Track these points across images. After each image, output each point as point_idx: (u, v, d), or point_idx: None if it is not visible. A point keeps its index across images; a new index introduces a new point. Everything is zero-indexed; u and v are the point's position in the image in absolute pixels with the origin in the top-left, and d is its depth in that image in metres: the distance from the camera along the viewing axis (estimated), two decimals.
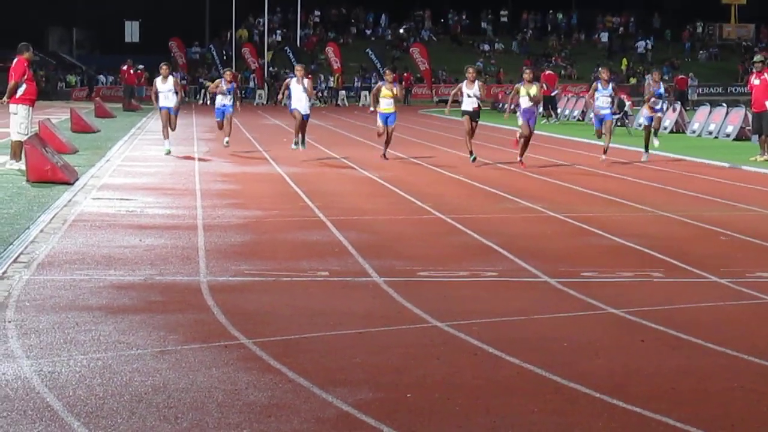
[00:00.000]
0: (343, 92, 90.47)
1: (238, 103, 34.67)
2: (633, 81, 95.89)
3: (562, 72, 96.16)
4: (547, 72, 66.71)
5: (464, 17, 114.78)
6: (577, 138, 45.70)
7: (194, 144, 40.15)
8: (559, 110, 61.41)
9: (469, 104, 30.78)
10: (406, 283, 13.72)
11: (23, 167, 23.06)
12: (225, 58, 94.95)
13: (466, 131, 30.99)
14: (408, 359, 9.74)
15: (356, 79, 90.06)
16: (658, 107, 34.48)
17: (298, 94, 30.53)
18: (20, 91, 25.53)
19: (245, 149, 38.50)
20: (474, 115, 31.04)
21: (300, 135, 31.38)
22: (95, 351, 9.83)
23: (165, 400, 8.03)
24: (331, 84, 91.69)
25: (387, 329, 11.23)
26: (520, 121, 29.78)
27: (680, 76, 74.76)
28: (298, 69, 31.96)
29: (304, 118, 29.75)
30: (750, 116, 40.91)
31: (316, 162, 31.85)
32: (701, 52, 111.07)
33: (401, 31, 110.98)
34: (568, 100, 66.05)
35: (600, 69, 42.51)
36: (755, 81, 36.71)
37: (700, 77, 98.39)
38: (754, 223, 20.09)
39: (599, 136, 33.15)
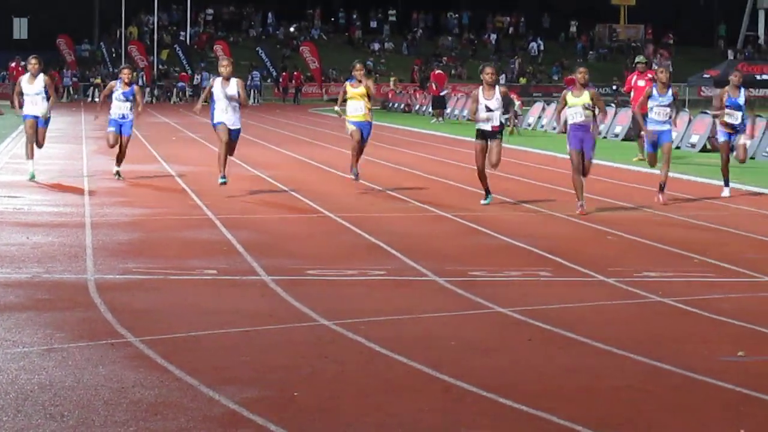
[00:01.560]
0: None
1: (139, 109, 24.52)
2: (523, 81, 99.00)
3: (452, 72, 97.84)
4: (437, 72, 67.63)
5: (354, 17, 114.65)
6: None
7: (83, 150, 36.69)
8: (448, 110, 62.50)
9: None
10: (295, 282, 13.86)
11: None
12: (114, 55, 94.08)
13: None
14: (296, 357, 9.84)
15: (248, 78, 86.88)
16: (737, 122, 22.81)
17: (222, 103, 20.85)
18: None
19: (135, 149, 35.93)
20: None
21: (224, 163, 21.59)
22: None
23: (51, 398, 7.97)
24: None
25: (275, 328, 11.32)
26: (569, 147, 20.08)
27: (569, 77, 71.57)
28: (223, 65, 21.81)
29: (232, 137, 20.55)
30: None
31: (205, 161, 30.35)
32: (591, 52, 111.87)
33: (291, 29, 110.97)
34: (457, 99, 66.86)
35: (657, 68, 34.54)
36: (640, 82, 36.10)
37: (590, 78, 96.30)
38: (640, 224, 20.58)
39: (653, 164, 23.02)
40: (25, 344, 10.03)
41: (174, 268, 15.17)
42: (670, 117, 21.21)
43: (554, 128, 45.70)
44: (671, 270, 15.77)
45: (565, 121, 20.48)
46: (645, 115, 23.06)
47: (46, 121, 23.28)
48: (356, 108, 20.98)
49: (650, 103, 21.49)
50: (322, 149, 40.79)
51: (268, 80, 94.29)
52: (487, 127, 18.56)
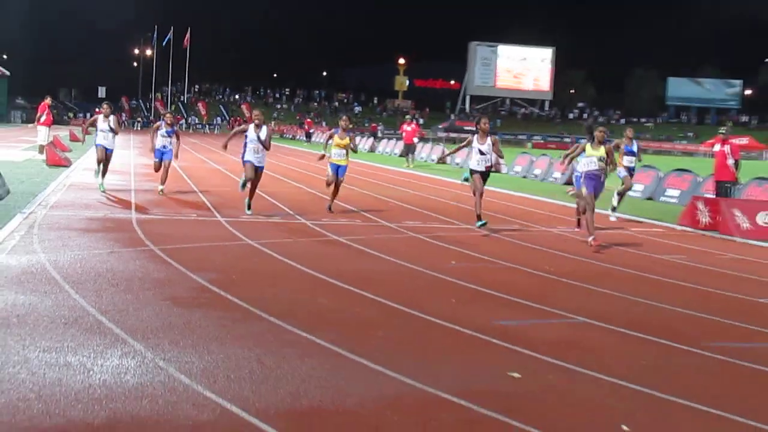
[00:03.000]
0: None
1: (177, 148, 24.32)
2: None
3: (316, 120, 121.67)
4: (308, 119, 70.93)
5: (269, 91, 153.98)
6: None
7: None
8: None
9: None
10: (236, 221, 17.84)
11: (45, 157, 33.83)
12: (148, 107, 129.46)
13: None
14: (236, 259, 13.42)
15: (215, 119, 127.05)
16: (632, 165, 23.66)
17: (253, 144, 19.63)
18: (42, 119, 39.01)
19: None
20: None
21: (250, 195, 19.96)
22: (78, 249, 13.37)
23: (112, 275, 11.39)
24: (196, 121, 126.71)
25: (225, 244, 15.03)
26: (584, 191, 17.72)
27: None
28: (257, 115, 20.48)
29: (258, 172, 19.39)
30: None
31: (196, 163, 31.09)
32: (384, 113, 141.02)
33: (237, 96, 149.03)
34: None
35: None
36: (407, 128, 49.55)
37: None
38: (406, 196, 25.36)
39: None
40: (100, 248, 13.59)
41: (175, 213, 19.11)
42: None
43: (433, 159, 49.34)
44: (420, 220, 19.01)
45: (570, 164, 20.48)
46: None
47: (112, 150, 23.70)
48: (340, 154, 20.76)
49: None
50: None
51: (225, 121, 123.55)
52: (482, 167, 18.75)
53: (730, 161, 24.55)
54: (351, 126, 21.98)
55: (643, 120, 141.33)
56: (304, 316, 9.55)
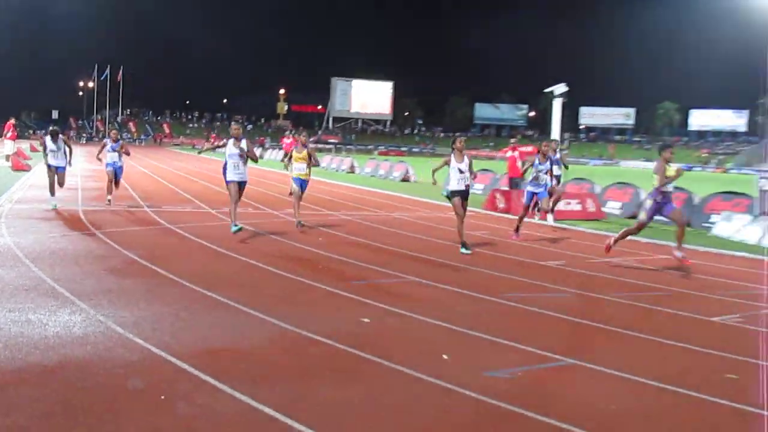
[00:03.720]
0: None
1: (126, 147, 19.88)
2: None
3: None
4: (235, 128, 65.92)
5: (182, 113, 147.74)
6: None
7: None
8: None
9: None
10: (158, 210, 17.43)
11: (10, 165, 32.86)
12: (92, 125, 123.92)
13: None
14: (159, 239, 13.20)
15: (142, 135, 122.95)
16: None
17: (234, 159, 14.91)
18: (9, 135, 36.85)
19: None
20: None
21: (234, 213, 14.92)
22: (37, 234, 13.02)
23: (63, 253, 11.15)
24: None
25: (150, 228, 14.62)
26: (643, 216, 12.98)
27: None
28: (234, 128, 15.37)
29: (241, 188, 15.09)
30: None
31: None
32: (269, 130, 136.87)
33: (158, 118, 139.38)
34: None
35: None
36: (286, 140, 44.10)
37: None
38: (286, 190, 24.21)
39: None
40: (55, 233, 13.22)
41: (111, 206, 18.58)
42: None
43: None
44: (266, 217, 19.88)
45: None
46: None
47: (64, 167, 18.22)
48: (300, 168, 16.56)
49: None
50: (168, 163, 42.34)
51: (149, 137, 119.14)
52: (462, 186, 13.98)
53: (519, 163, 25.13)
54: (305, 140, 17.50)
55: (458, 134, 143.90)
56: (210, 281, 9.46)
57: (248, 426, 4.90)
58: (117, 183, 19.80)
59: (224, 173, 14.72)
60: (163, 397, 5.32)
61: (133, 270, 10.14)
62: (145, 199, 20.78)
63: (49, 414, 4.93)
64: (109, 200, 19.03)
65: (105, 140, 20.09)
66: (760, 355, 7.15)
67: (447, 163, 14.20)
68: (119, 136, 20.34)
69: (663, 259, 13.57)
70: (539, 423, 5.19)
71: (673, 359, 7.04)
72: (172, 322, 7.36)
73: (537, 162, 17.28)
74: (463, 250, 13.53)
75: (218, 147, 15.81)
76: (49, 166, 18.44)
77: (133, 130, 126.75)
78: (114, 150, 19.65)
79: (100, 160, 19.83)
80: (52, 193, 18.10)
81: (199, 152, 18.16)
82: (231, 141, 14.63)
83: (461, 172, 14.06)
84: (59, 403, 5.13)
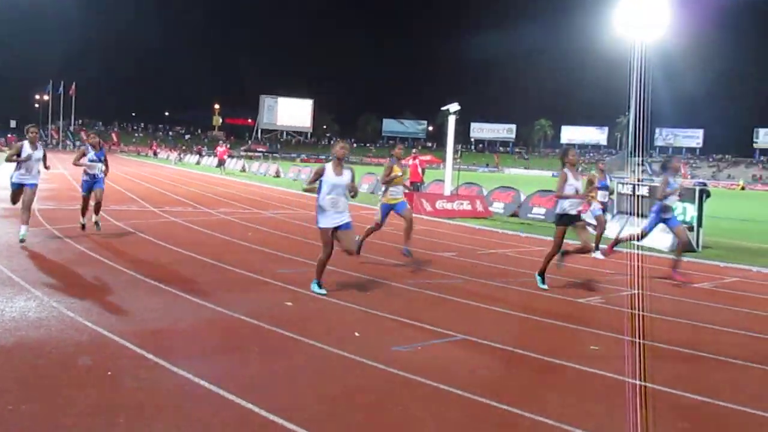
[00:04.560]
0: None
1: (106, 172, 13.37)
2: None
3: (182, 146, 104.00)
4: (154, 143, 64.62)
5: (127, 125, 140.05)
6: None
7: None
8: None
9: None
10: (106, 209, 16.76)
11: None
12: (47, 133, 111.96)
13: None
14: (108, 234, 12.58)
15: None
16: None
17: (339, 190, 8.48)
18: None
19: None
20: None
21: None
22: None
23: (24, 247, 10.70)
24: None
25: (101, 223, 13.34)
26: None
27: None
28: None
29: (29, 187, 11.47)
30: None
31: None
32: (206, 140, 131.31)
33: (106, 127, 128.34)
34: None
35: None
36: (220, 149, 46.93)
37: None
38: (219, 192, 23.88)
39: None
40: (13, 230, 12.50)
41: (65, 205, 17.63)
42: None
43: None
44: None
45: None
46: None
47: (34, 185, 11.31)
48: (397, 192, 11.37)
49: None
50: (117, 168, 43.62)
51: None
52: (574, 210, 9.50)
53: (420, 170, 25.57)
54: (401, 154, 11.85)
55: (368, 145, 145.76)
56: (151, 270, 9.28)
57: (186, 397, 4.81)
58: (98, 206, 13.06)
59: (319, 216, 8.63)
60: (109, 372, 5.19)
61: (84, 261, 9.82)
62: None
63: (6, 390, 4.75)
64: (83, 224, 13.04)
65: (83, 147, 13.12)
66: (617, 330, 7.34)
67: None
68: (101, 143, 13.38)
69: (539, 251, 13.85)
70: (436, 389, 5.22)
71: (547, 333, 7.17)
72: (118, 307, 7.17)
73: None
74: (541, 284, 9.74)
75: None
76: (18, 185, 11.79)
77: (85, 138, 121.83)
78: (98, 160, 12.98)
79: (79, 166, 13.00)
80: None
81: (305, 190, 9.05)
82: (329, 167, 8.48)
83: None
84: (16, 380, 4.96)
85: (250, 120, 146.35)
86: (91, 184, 12.97)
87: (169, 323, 6.69)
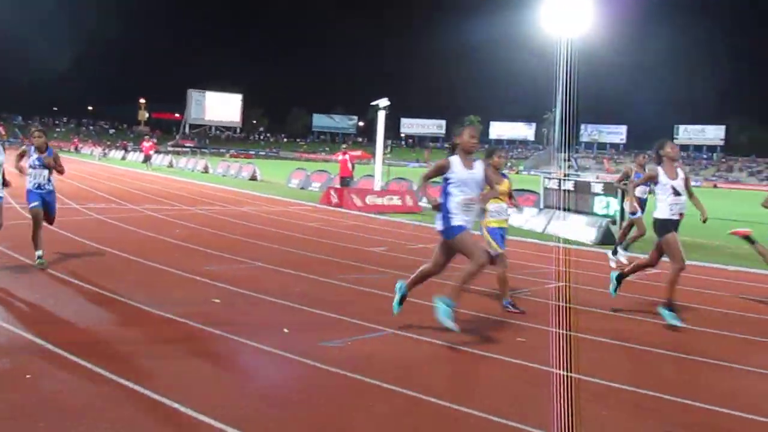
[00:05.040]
0: None
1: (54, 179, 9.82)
2: None
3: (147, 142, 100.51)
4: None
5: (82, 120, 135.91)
6: None
7: None
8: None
9: None
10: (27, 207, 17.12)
11: None
12: None
13: None
14: (20, 230, 11.33)
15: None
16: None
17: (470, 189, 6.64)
18: None
19: None
20: None
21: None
22: None
23: None
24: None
25: (19, 222, 12.55)
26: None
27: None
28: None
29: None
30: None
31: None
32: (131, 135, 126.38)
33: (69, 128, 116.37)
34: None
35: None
36: (146, 144, 45.91)
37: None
38: (146, 188, 23.56)
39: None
40: None
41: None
42: None
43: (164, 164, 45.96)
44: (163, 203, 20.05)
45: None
46: None
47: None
48: (499, 211, 8.55)
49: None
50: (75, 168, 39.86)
51: (17, 140, 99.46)
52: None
53: (349, 165, 25.63)
54: (500, 161, 8.67)
55: (299, 140, 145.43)
56: (73, 269, 9.09)
57: (109, 398, 4.69)
58: (51, 221, 10.20)
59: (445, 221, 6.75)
60: (28, 375, 5.02)
61: (2, 261, 9.54)
62: (14, 197, 19.42)
63: None
64: (41, 258, 9.36)
65: (25, 147, 10.12)
66: (543, 322, 7.49)
67: (653, 179, 8.20)
68: (46, 143, 9.91)
69: None
70: (365, 383, 5.23)
71: (476, 327, 7.25)
72: (37, 308, 6.99)
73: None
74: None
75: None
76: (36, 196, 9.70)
77: (3, 133, 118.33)
78: (40, 165, 9.67)
79: (21, 171, 9.72)
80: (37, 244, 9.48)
81: (418, 190, 7.36)
82: (456, 160, 6.83)
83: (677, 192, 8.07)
84: None
85: (177, 115, 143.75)
86: (42, 196, 9.65)
87: (91, 323, 6.54)
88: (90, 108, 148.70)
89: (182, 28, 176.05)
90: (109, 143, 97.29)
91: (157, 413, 4.47)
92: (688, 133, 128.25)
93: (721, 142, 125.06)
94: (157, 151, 62.55)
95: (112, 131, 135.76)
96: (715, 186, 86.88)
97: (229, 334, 6.33)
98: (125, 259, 10.16)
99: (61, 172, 9.94)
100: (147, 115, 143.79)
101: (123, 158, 64.93)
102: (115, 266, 9.56)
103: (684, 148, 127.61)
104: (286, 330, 6.61)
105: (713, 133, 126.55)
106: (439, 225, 6.76)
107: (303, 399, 4.85)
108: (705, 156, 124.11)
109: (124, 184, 28.60)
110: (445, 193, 6.72)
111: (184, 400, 4.62)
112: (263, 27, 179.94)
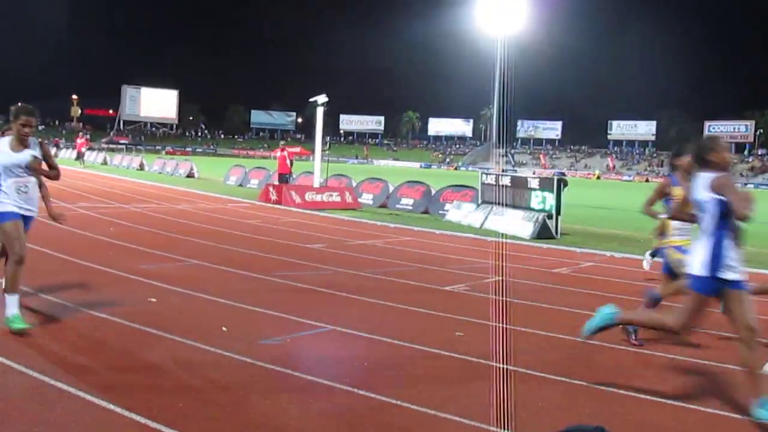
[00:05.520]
0: None
1: (46, 188, 7.58)
2: None
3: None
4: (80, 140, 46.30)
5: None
6: None
7: None
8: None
9: None
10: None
11: None
12: None
13: None
14: None
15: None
16: None
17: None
18: None
19: None
20: None
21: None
22: None
23: None
24: None
25: None
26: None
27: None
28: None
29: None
30: None
31: None
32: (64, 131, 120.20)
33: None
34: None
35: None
36: (79, 140, 44.27)
37: None
38: (79, 186, 23.32)
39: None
40: None
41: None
42: None
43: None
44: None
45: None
46: None
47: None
48: (683, 232, 6.75)
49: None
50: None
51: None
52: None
53: (288, 162, 25.58)
54: (689, 165, 5.83)
55: (237, 137, 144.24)
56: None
57: (42, 400, 4.57)
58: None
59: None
60: None
61: None
62: None
63: None
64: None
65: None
66: (481, 316, 7.56)
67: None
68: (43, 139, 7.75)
69: (407, 240, 14.14)
70: (304, 380, 5.22)
71: (414, 321, 7.32)
72: None
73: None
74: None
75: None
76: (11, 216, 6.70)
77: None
78: (26, 173, 7.14)
79: None
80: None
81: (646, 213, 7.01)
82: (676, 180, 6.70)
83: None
84: None
85: (111, 111, 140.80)
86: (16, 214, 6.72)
87: (41, 320, 6.33)
88: (19, 104, 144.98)
89: (116, 22, 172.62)
90: (40, 140, 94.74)
91: (92, 414, 4.36)
92: (621, 129, 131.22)
93: (653, 138, 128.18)
94: (91, 148, 61.26)
95: (42, 128, 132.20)
96: (647, 180, 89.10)
97: (165, 333, 6.24)
98: (57, 259, 9.92)
99: (55, 177, 7.97)
100: (80, 111, 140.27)
101: (55, 155, 63.38)
102: (46, 266, 9.30)
103: (617, 143, 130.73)
104: (224, 328, 6.55)
105: (645, 129, 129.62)
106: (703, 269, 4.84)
107: (241, 397, 4.81)
108: (637, 151, 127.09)
109: (57, 181, 27.98)
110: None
111: (119, 401, 4.55)
112: (200, 21, 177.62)
